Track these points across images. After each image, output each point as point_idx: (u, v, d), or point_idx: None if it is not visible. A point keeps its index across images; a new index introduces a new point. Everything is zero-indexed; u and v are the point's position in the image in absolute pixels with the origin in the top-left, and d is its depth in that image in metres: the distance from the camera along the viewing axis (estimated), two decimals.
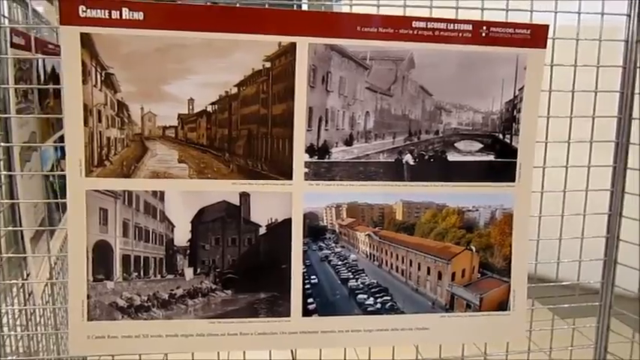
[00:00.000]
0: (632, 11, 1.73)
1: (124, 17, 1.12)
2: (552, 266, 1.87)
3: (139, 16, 1.13)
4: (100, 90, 1.14)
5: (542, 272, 1.86)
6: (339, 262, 1.26)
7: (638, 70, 1.71)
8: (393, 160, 1.23)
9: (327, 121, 1.20)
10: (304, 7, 1.58)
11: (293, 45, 1.16)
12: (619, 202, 1.90)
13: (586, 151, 1.71)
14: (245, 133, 1.20)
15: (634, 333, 1.77)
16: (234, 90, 1.18)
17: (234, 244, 1.22)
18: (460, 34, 1.20)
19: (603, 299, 1.88)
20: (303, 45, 1.16)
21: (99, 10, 1.11)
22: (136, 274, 1.20)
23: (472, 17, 1.25)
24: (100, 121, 1.15)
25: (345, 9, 1.41)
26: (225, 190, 1.20)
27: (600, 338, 1.87)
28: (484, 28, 1.21)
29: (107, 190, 1.17)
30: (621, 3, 1.75)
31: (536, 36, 1.23)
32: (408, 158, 1.23)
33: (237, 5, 1.20)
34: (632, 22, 1.76)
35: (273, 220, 1.22)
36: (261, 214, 1.22)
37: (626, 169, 1.84)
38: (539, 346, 1.70)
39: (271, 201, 1.22)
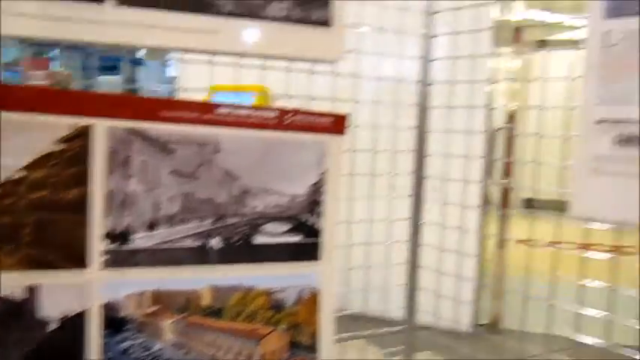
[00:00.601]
0: (425, 54, 2.06)
1: None
2: (384, 304, 2.10)
3: None
4: None
5: (372, 311, 2.07)
6: (143, 354, 1.19)
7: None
8: (199, 245, 1.21)
9: (127, 207, 1.15)
10: None
11: (90, 127, 1.10)
12: (416, 231, 2.18)
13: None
14: (33, 220, 1.09)
15: None
16: (21, 173, 1.08)
17: (17, 344, 1.09)
18: (264, 121, 1.23)
19: (405, 325, 2.09)
20: (101, 128, 1.11)
21: None
22: None
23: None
24: None
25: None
26: (9, 284, 1.07)
27: None
28: (288, 115, 1.25)
29: None
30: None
31: (336, 124, 1.30)
32: (214, 242, 1.22)
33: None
34: (423, 64, 2.08)
35: (67, 314, 1.12)
36: (53, 308, 1.11)
37: (421, 201, 2.14)
38: None
39: (64, 293, 1.12)
